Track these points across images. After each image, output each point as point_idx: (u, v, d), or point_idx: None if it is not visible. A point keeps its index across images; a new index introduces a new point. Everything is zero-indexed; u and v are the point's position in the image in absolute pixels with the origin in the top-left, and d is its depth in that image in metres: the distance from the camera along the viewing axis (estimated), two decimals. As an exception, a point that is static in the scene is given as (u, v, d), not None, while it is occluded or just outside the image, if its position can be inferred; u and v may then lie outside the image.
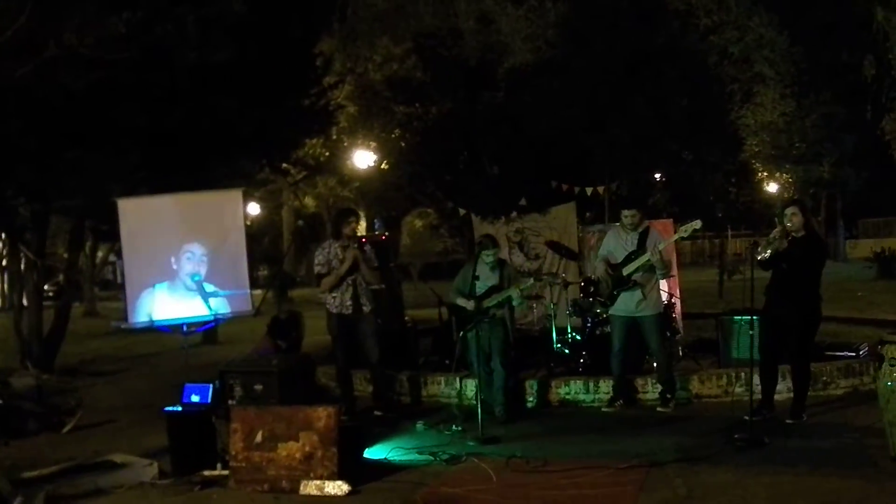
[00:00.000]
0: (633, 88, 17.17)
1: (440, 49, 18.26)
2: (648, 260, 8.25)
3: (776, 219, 7.61)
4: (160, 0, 9.99)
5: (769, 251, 7.59)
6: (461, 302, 8.66)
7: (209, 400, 7.07)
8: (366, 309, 8.81)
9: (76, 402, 9.98)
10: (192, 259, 9.78)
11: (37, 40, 9.15)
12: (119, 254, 10.32)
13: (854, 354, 9.34)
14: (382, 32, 21.11)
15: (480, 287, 8.56)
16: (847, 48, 26.93)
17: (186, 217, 9.91)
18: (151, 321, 9.71)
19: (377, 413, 8.74)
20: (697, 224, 8.26)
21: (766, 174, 34.45)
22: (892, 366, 6.22)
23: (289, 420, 6.40)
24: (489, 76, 17.82)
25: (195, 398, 7.13)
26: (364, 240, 9.49)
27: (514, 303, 8.68)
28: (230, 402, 7.00)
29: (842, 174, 32.72)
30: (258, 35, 12.33)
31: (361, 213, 26.76)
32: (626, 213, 8.54)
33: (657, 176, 23.38)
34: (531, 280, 9.06)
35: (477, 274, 8.52)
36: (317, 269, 8.93)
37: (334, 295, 8.77)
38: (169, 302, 9.71)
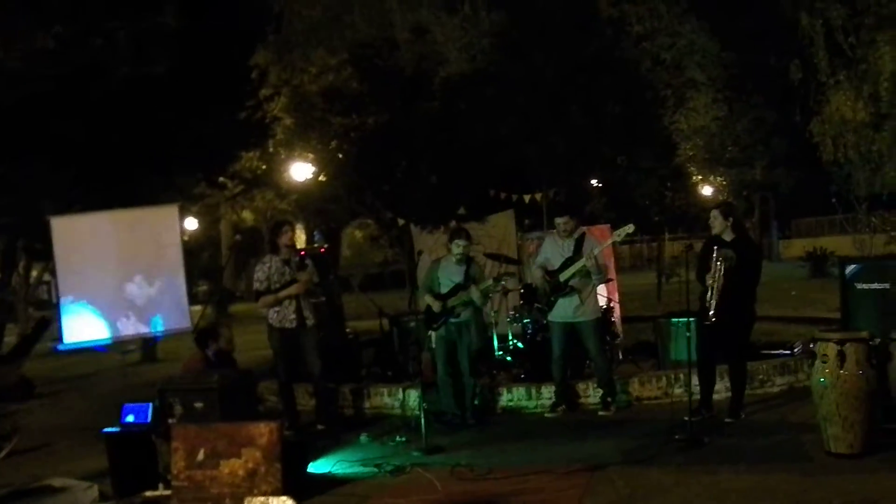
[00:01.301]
0: (567, 96, 17.35)
1: (376, 59, 18.25)
2: (584, 265, 8.34)
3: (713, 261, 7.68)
4: (91, 14, 9.86)
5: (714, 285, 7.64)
6: (428, 300, 8.68)
7: (149, 419, 6.97)
8: (309, 322, 8.73)
9: (12, 426, 9.75)
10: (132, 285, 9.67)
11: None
12: (54, 273, 10.17)
13: (789, 353, 9.55)
14: (318, 43, 21.04)
15: (445, 284, 8.60)
16: (775, 53, 27.50)
17: (122, 234, 9.78)
18: (87, 341, 9.56)
19: (320, 427, 8.69)
20: (630, 228, 8.36)
21: (700, 178, 35.04)
22: (824, 363, 6.38)
23: (231, 437, 6.33)
24: (425, 86, 17.86)
25: (134, 418, 7.04)
26: (303, 253, 9.42)
27: (475, 298, 8.65)
28: (170, 420, 6.89)
29: (774, 176, 33.41)
30: (192, 48, 12.19)
31: (299, 225, 26.58)
32: (559, 221, 8.63)
33: (594, 182, 23.64)
34: (490, 280, 9.06)
35: (441, 272, 8.60)
36: (256, 285, 8.80)
37: (276, 309, 8.68)
38: (104, 321, 9.56)
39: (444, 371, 8.64)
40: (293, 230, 9.05)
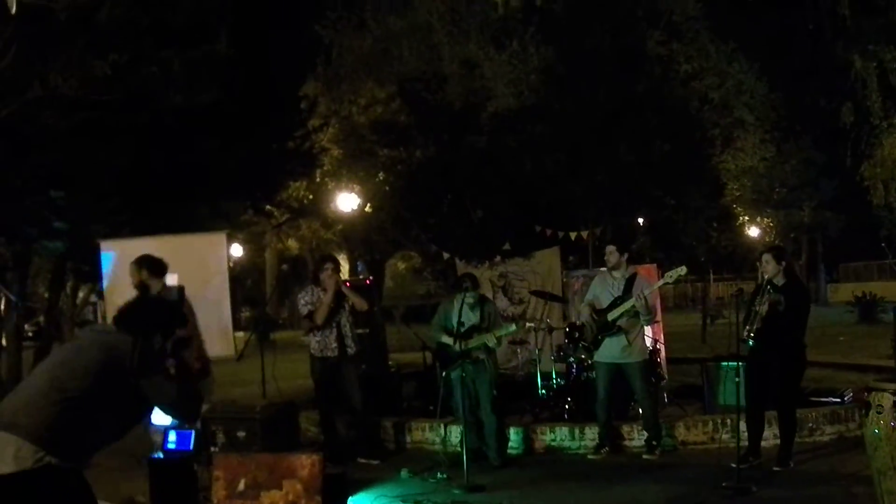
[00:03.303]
0: (615, 133, 17.24)
1: (424, 93, 18.28)
2: (633, 305, 8.23)
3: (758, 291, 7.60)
4: (145, 42, 10.00)
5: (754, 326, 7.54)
6: (445, 339, 8.56)
7: (191, 446, 6.97)
8: (350, 351, 8.72)
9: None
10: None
11: (21, 81, 9.15)
12: (100, 294, 10.27)
13: (839, 400, 9.32)
14: (367, 75, 21.12)
15: (454, 323, 8.44)
16: (825, 95, 27.22)
17: (169, 260, 9.83)
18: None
19: (361, 460, 8.64)
20: (683, 270, 8.27)
21: (747, 218, 34.65)
22: (879, 413, 6.20)
23: (272, 468, 6.31)
24: (473, 120, 17.84)
25: (176, 444, 7.04)
26: (348, 284, 9.42)
27: (490, 344, 8.56)
28: (213, 448, 6.90)
29: (822, 218, 33.02)
30: (243, 77, 12.34)
31: (344, 257, 26.67)
32: (608, 249, 8.59)
33: (640, 221, 23.43)
34: (513, 326, 8.98)
35: (454, 314, 8.43)
36: (304, 309, 8.83)
37: (318, 339, 8.69)
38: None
39: (468, 410, 8.47)
40: (335, 271, 8.93)
